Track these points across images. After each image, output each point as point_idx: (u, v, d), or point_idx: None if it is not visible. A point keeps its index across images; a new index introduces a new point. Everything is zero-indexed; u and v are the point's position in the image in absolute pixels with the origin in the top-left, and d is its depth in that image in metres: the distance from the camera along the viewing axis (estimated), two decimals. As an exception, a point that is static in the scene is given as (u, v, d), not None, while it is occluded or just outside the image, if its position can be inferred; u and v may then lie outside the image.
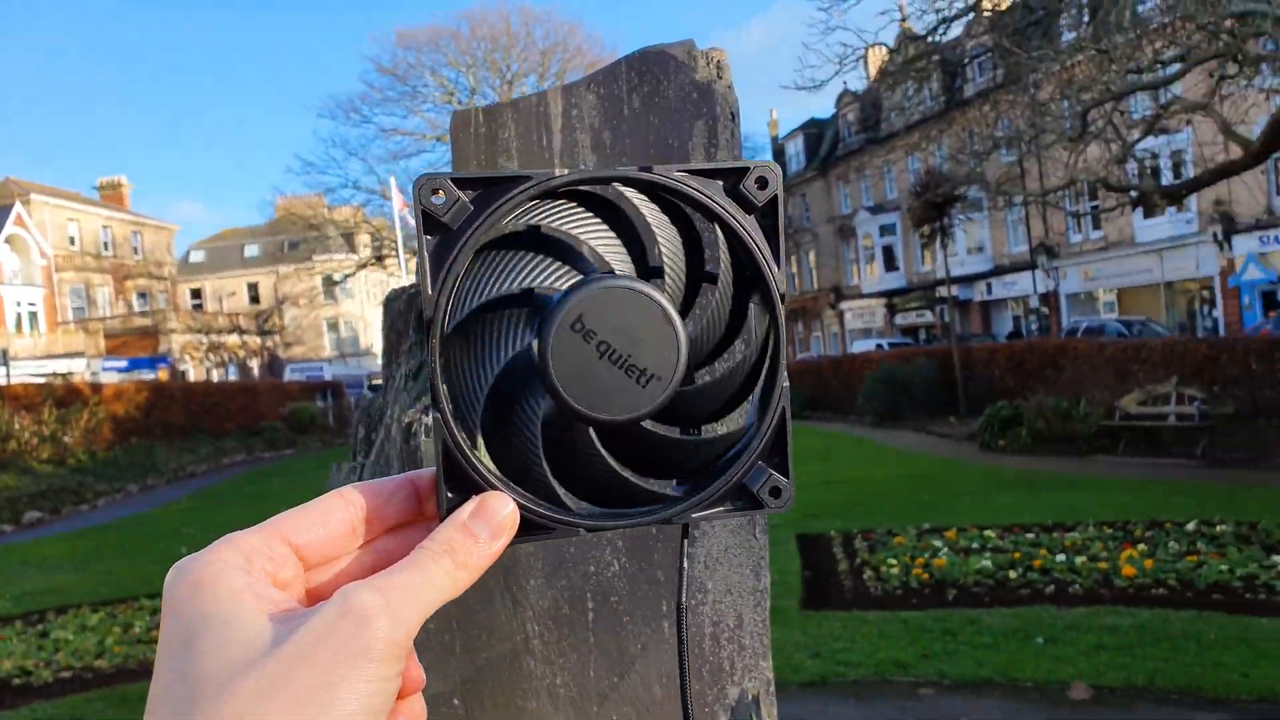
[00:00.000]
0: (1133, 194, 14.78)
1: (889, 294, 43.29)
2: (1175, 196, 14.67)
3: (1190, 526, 8.43)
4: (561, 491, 0.53)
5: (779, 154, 50.49)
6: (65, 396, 22.19)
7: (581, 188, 0.54)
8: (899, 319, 43.06)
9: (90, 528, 14.88)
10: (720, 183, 0.54)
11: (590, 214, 0.54)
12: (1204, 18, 10.34)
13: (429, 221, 0.51)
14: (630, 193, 0.54)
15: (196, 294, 58.26)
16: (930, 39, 15.72)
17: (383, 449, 1.25)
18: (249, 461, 26.14)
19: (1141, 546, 7.83)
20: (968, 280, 38.06)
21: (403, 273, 38.42)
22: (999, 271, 37.45)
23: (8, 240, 42.16)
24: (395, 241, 37.83)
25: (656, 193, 0.54)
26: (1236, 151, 12.90)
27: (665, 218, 0.55)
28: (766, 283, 0.54)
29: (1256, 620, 5.97)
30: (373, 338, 57.76)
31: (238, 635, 0.43)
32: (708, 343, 0.55)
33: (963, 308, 38.58)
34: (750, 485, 0.55)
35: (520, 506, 0.51)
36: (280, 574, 0.48)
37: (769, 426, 0.55)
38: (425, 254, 0.51)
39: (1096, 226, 32.26)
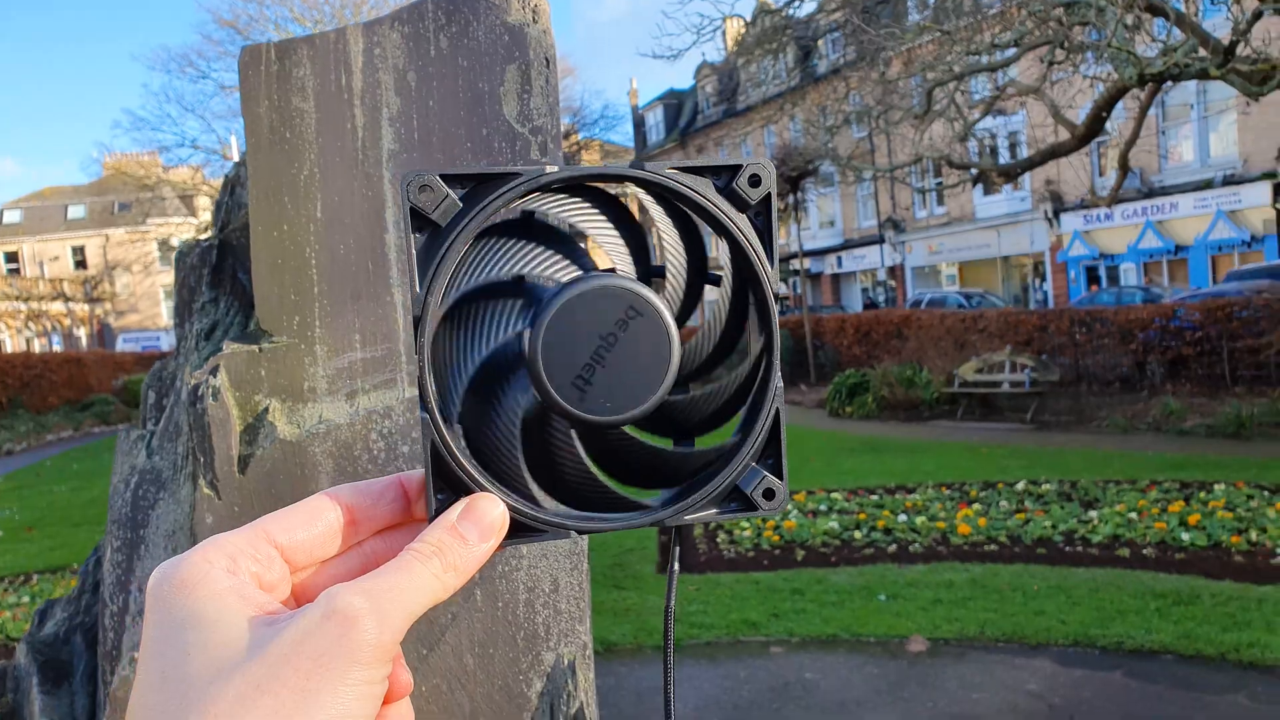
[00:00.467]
0: (973, 171, 15.58)
1: (746, 265, 44.28)
2: (1010, 175, 15.56)
3: (1020, 486, 9.03)
4: (539, 494, 0.52)
5: (639, 124, 50.64)
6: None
7: (552, 220, 0.53)
8: (754, 290, 44.17)
9: (-109, 512, 13.58)
10: (711, 180, 0.53)
11: (593, 207, 0.53)
12: (1035, 5, 10.93)
13: (417, 219, 0.49)
14: (637, 189, 0.53)
15: (12, 257, 53.70)
16: (785, 13, 16.03)
17: (172, 414, 1.15)
18: (76, 437, 24.45)
19: (976, 506, 8.34)
20: (820, 254, 39.47)
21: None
22: (849, 245, 38.96)
23: None
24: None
25: (651, 189, 0.53)
26: (1065, 134, 13.77)
27: (668, 216, 0.54)
28: (760, 282, 0.53)
29: (1074, 570, 6.47)
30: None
31: (222, 637, 0.43)
32: (706, 348, 0.54)
33: (814, 280, 40.03)
34: (744, 487, 0.54)
35: (510, 508, 0.51)
36: (266, 576, 0.48)
37: (763, 427, 0.54)
38: (412, 252, 0.50)
39: (940, 202, 33.99)
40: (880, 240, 35.30)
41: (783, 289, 0.63)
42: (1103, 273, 29.27)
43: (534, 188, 0.51)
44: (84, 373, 29.73)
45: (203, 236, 1.24)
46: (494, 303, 0.52)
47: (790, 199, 22.17)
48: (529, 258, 0.52)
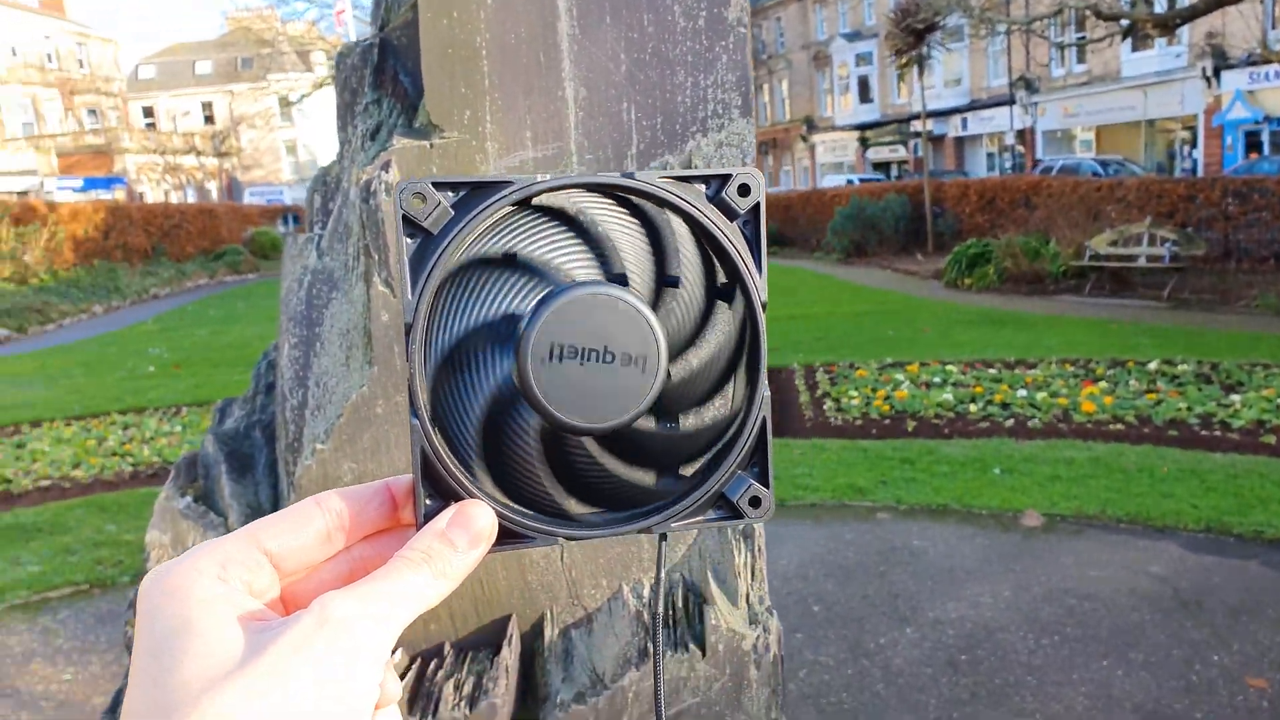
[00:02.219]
0: (1124, 23, 14.28)
1: (862, 127, 42.39)
2: (1167, 26, 14.18)
3: (1152, 365, 8.60)
4: (562, 498, 0.52)
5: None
6: (21, 215, 21.48)
7: (551, 200, 0.52)
8: (871, 153, 42.38)
9: (58, 346, 14.75)
10: (702, 188, 0.53)
11: (562, 228, 0.52)
12: None
13: (409, 226, 0.49)
14: (592, 203, 0.52)
15: (148, 112, 55.72)
16: None
17: (340, 215, 1.14)
18: (212, 285, 25.83)
19: (1102, 384, 8.01)
20: (943, 115, 37.28)
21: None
22: (975, 106, 36.66)
23: (-59, 47, 39.71)
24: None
25: (629, 198, 0.52)
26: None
27: (634, 224, 0.53)
28: (748, 291, 0.53)
29: (1209, 455, 6.18)
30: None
31: (213, 645, 0.43)
32: (677, 344, 0.53)
33: (936, 143, 37.96)
34: (730, 495, 0.55)
35: (499, 514, 0.51)
36: (256, 582, 0.48)
37: (749, 435, 0.54)
38: (405, 259, 0.50)
39: (1081, 59, 31.43)
40: (1010, 101, 33.06)
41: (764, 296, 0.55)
42: (1265, 138, 26.81)
43: (526, 196, 0.50)
44: (216, 224, 31.14)
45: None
46: (489, 341, 0.51)
47: (914, 53, 20.85)
48: (529, 236, 0.52)
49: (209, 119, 55.55)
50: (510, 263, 0.52)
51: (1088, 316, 12.36)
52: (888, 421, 7.42)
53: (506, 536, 0.51)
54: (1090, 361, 9.00)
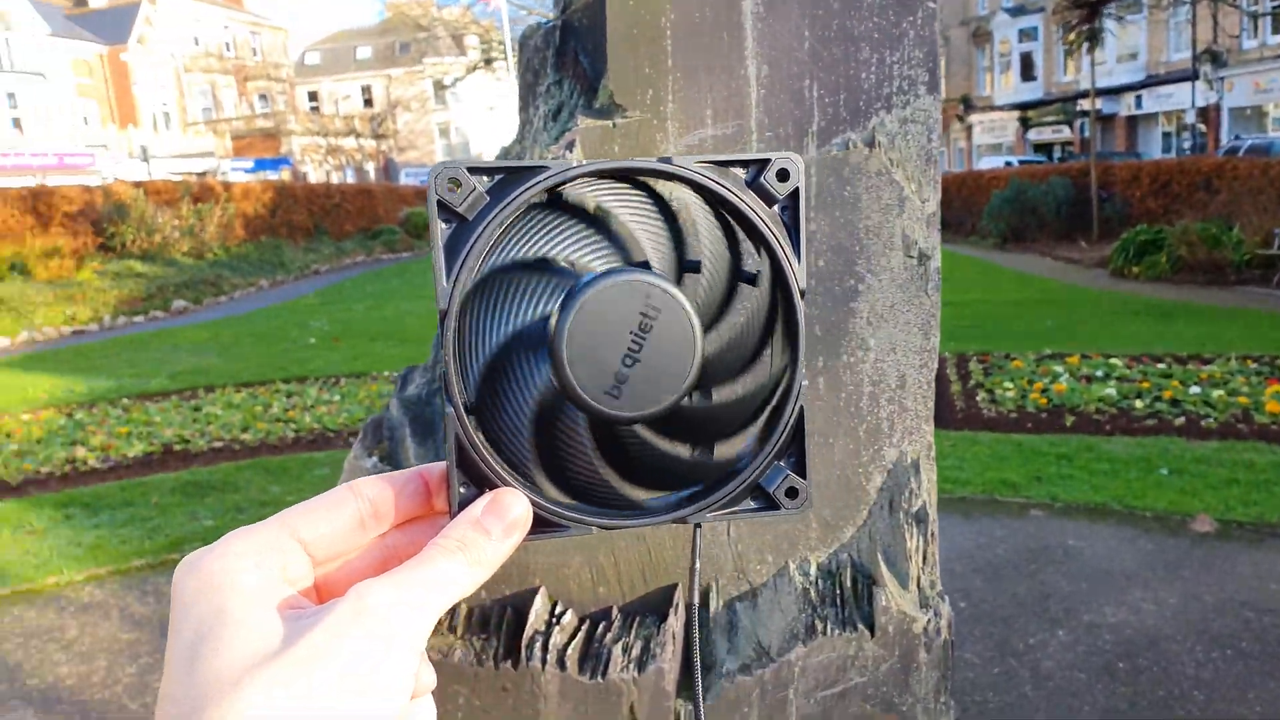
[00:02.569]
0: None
1: (1023, 106, 40.27)
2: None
3: (1346, 363, 7.89)
4: (548, 486, 0.52)
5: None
6: (200, 194, 23.12)
7: (573, 197, 0.51)
8: (1032, 134, 40.22)
9: (229, 317, 15.84)
10: (741, 173, 0.52)
11: (638, 193, 0.52)
12: None
13: (444, 211, 0.49)
14: (612, 196, 0.51)
15: (313, 96, 58.86)
16: None
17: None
18: (368, 262, 27.08)
19: (1289, 382, 7.40)
20: (1114, 92, 34.93)
21: (510, 77, 37.71)
22: (1152, 82, 34.18)
23: (138, 40, 43.07)
24: (503, 43, 36.89)
25: (648, 186, 0.51)
26: None
27: (654, 211, 0.52)
28: (786, 279, 0.52)
29: None
30: (482, 145, 57.68)
31: (249, 633, 0.43)
32: (741, 348, 0.52)
33: (1106, 123, 35.63)
34: (766, 485, 0.54)
35: (533, 503, 0.50)
36: (290, 570, 0.47)
37: (786, 425, 0.53)
38: (439, 245, 0.49)
39: (1277, 30, 28.86)
40: (1192, 76, 30.68)
41: (806, 286, 0.54)
42: None
43: (561, 181, 0.50)
44: (373, 203, 32.63)
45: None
46: (520, 281, 0.51)
47: (1087, 27, 19.62)
48: (558, 238, 0.51)
49: (368, 102, 58.23)
50: (542, 266, 0.51)
51: (1275, 310, 11.41)
52: (1044, 415, 7.09)
53: (540, 525, 0.51)
54: (1277, 359, 8.32)
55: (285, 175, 41.23)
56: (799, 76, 0.98)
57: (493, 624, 1.06)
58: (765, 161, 0.52)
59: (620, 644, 1.00)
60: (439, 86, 49.24)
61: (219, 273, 20.17)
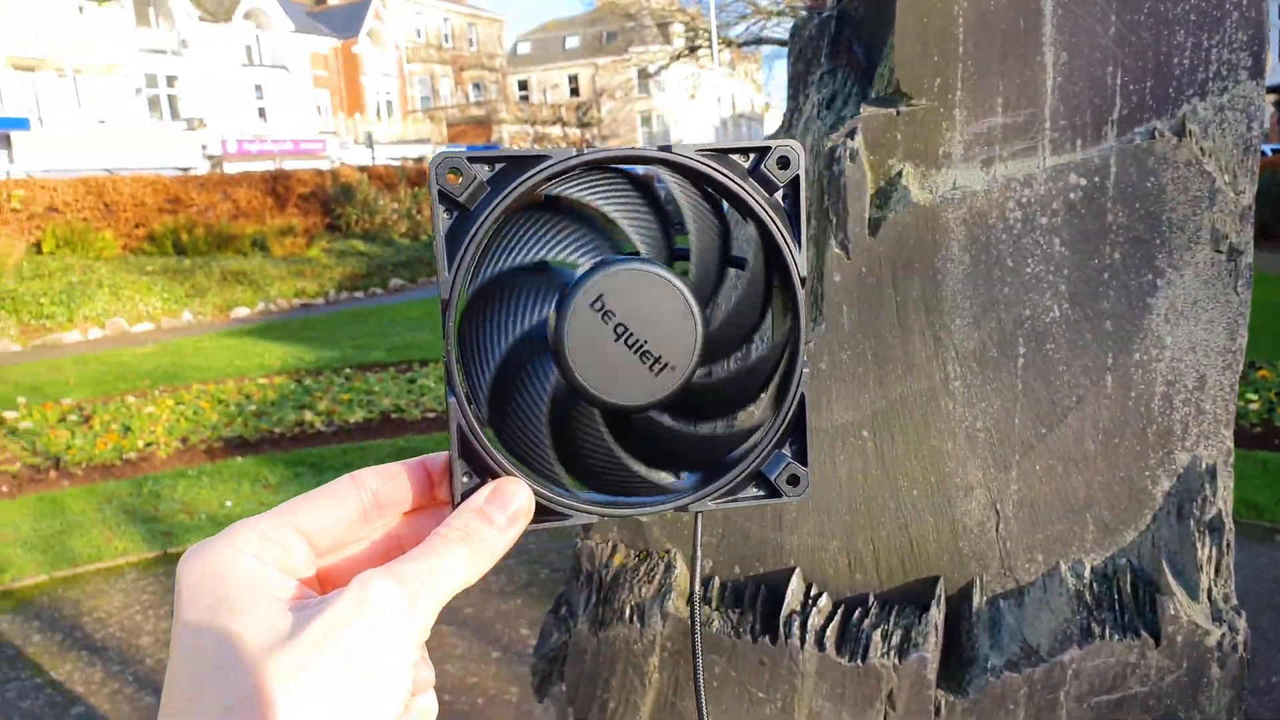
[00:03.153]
0: None
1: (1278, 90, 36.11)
2: None
3: None
4: (565, 478, 0.52)
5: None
6: (417, 178, 24.63)
7: (560, 192, 0.51)
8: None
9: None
10: (740, 162, 0.52)
11: (625, 185, 0.51)
12: None
13: (445, 200, 0.49)
14: (666, 171, 0.51)
15: (523, 85, 61.25)
16: None
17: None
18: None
19: None
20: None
21: (714, 64, 37.71)
22: None
23: (368, 34, 46.44)
24: (709, 31, 36.92)
25: (679, 172, 0.51)
26: None
27: (700, 198, 0.52)
28: (786, 266, 0.52)
29: None
30: (683, 133, 58.17)
31: (255, 623, 0.43)
32: (736, 329, 0.53)
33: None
34: (768, 473, 0.53)
35: (535, 492, 0.50)
36: (292, 561, 0.47)
37: (787, 412, 0.53)
38: (441, 234, 0.49)
39: None
40: None
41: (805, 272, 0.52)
42: None
43: (562, 170, 0.49)
44: (575, 189, 33.57)
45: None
46: (520, 287, 0.51)
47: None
48: (554, 240, 0.51)
49: (574, 91, 59.97)
50: (541, 269, 0.51)
51: None
52: (1293, 432, 6.41)
53: (542, 513, 0.51)
54: None
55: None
56: (1101, 63, 0.95)
57: (746, 600, 1.09)
58: (765, 149, 0.52)
59: (879, 630, 1.01)
60: (643, 75, 50.03)
61: (431, 254, 21.41)
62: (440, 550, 0.46)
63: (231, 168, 34.35)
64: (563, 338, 0.49)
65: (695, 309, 0.50)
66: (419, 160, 36.50)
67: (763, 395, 0.55)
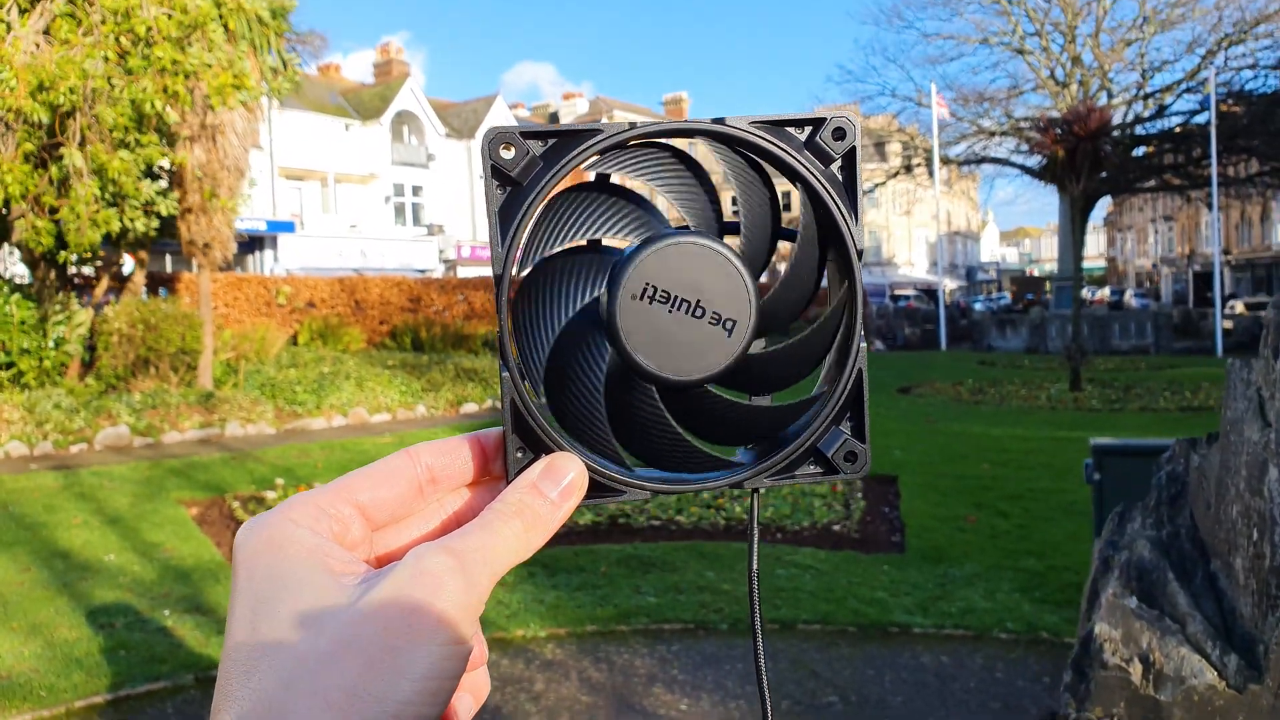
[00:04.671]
0: None
1: None
2: None
3: None
4: (623, 454, 0.51)
5: None
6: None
7: (660, 139, 0.50)
8: None
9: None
10: (796, 134, 0.51)
11: (672, 161, 0.51)
12: None
13: (499, 175, 0.49)
14: (714, 145, 0.51)
15: (734, 201, 62.91)
16: None
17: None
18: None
19: None
20: None
21: (935, 184, 37.24)
22: None
23: (592, 150, 49.63)
24: (928, 150, 36.65)
25: (734, 145, 0.51)
26: None
27: (748, 169, 0.51)
28: (843, 238, 0.51)
29: None
30: (894, 248, 57.51)
31: (312, 595, 0.43)
32: (789, 301, 0.52)
33: None
34: (824, 449, 0.53)
35: (588, 468, 0.50)
36: (348, 535, 0.47)
37: (844, 388, 0.53)
38: (494, 209, 0.49)
39: None
40: None
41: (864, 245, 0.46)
42: None
43: (614, 144, 0.49)
44: (784, 302, 33.69)
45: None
46: (572, 266, 0.50)
47: None
48: (604, 217, 0.50)
49: (786, 206, 60.81)
50: (594, 247, 0.51)
51: None
52: None
53: (596, 490, 0.50)
54: None
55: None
56: None
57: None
58: (821, 121, 0.51)
59: None
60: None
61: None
62: (494, 525, 0.46)
63: (464, 271, 37.00)
64: (615, 315, 0.48)
65: (748, 280, 0.49)
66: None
67: (818, 369, 0.54)
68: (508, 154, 0.49)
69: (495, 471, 0.52)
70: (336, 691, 0.40)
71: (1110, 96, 36.58)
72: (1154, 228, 67.90)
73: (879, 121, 41.82)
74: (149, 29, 10.41)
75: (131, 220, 11.61)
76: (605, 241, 0.52)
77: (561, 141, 0.50)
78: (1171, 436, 11.39)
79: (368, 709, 0.40)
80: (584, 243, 0.51)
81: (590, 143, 0.49)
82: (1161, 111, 35.58)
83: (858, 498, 8.37)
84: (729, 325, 0.49)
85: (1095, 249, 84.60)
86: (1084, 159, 16.15)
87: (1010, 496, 8.43)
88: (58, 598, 5.94)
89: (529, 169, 0.49)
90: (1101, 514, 4.52)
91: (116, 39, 10.57)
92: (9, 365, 12.52)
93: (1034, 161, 29.84)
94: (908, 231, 60.51)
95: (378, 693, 0.40)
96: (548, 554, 6.78)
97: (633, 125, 0.49)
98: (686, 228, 0.51)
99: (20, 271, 15.95)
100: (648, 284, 0.48)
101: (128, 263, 15.07)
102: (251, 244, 31.59)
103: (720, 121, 0.50)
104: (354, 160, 38.54)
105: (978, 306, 48.87)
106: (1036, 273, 79.48)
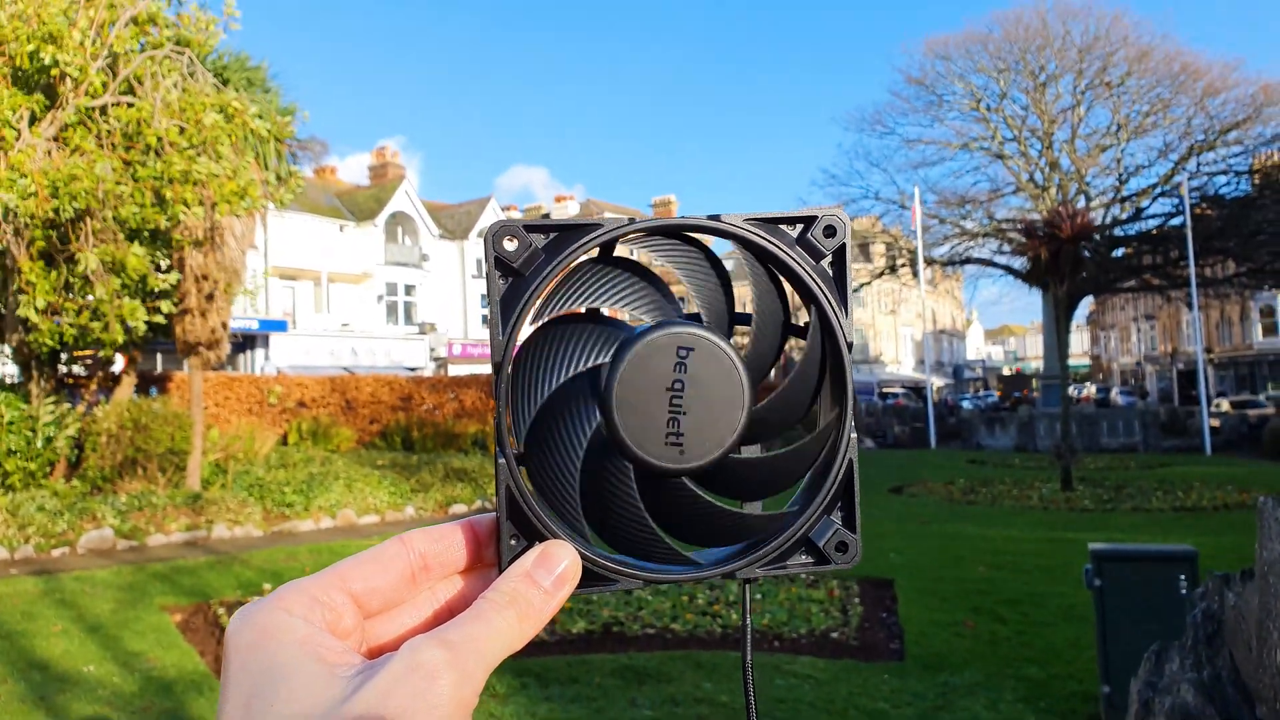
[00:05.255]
0: None
1: None
2: None
3: None
4: (593, 538, 0.51)
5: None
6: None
7: (626, 251, 0.52)
8: None
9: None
10: (789, 231, 0.53)
11: (686, 247, 0.52)
12: None
13: (501, 266, 0.50)
14: (666, 251, 0.52)
15: (723, 299, 63.64)
16: None
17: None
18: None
19: None
20: None
21: (920, 284, 37.88)
22: None
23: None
24: (912, 251, 37.38)
25: (729, 239, 0.52)
26: None
27: (761, 265, 0.52)
28: (834, 333, 0.52)
29: None
30: (881, 346, 58.08)
31: (305, 687, 0.42)
32: (784, 411, 0.52)
33: None
34: (816, 539, 0.53)
35: (581, 555, 0.50)
36: (341, 623, 0.47)
37: (835, 478, 0.53)
38: (496, 299, 0.50)
39: None
40: None
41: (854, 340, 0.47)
42: None
43: (615, 238, 0.50)
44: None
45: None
46: (575, 333, 0.51)
47: None
48: (613, 291, 0.51)
49: (771, 305, 61.58)
50: (594, 317, 0.52)
51: None
52: None
53: (590, 579, 0.50)
54: None
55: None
56: None
57: None
58: (813, 219, 0.53)
59: None
60: (840, 291, 50.87)
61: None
62: (488, 615, 0.46)
63: (455, 369, 37.05)
64: (613, 387, 0.49)
65: (746, 389, 0.50)
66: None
67: (802, 480, 0.54)
68: (511, 245, 0.50)
69: (488, 559, 0.52)
70: None
71: (1088, 199, 37.64)
72: (1136, 326, 68.93)
73: (863, 223, 42.75)
74: (159, 139, 10.68)
75: (150, 313, 11.72)
76: (609, 312, 0.53)
77: (563, 235, 0.51)
78: (1166, 538, 11.31)
79: None
80: (585, 310, 0.52)
81: (591, 235, 0.50)
82: (1139, 214, 36.56)
83: (855, 603, 8.24)
84: (721, 421, 0.50)
85: (1079, 346, 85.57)
86: (1067, 261, 16.52)
87: (1008, 600, 8.32)
88: (34, 712, 5.74)
89: (531, 260, 0.50)
90: (1105, 622, 4.48)
91: (127, 148, 10.83)
92: (-7, 465, 12.38)
93: (1018, 262, 30.51)
94: (894, 330, 61.20)
95: None
96: (540, 664, 6.62)
97: (632, 220, 0.51)
98: (698, 316, 0.52)
99: (9, 371, 15.91)
100: (649, 366, 0.49)
101: (118, 361, 15.06)
102: (244, 343, 31.66)
103: (716, 218, 0.51)
104: (348, 260, 39.01)
105: (965, 404, 49.04)
106: (1022, 370, 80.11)
